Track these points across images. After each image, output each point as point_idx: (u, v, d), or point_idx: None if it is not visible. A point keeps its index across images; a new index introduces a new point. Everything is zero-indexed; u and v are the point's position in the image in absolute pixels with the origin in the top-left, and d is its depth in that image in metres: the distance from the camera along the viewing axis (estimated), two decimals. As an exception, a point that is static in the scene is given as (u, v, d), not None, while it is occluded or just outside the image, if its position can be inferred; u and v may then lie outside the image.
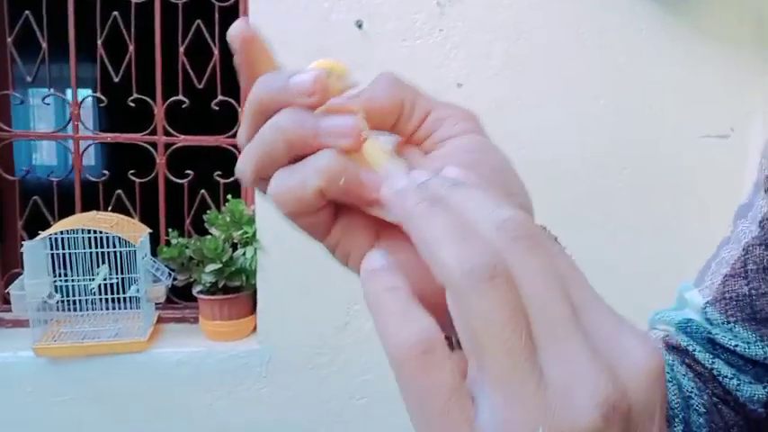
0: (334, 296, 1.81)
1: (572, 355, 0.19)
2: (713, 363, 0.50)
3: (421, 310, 0.21)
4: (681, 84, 1.86)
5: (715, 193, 1.87)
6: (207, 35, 1.87)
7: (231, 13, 1.84)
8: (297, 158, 0.27)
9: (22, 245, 1.68)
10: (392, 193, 0.26)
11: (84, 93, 2.02)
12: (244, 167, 0.29)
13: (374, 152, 0.28)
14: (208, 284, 1.77)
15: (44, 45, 1.80)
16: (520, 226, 0.21)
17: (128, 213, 1.89)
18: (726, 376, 0.49)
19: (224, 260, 1.75)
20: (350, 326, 1.83)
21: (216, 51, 1.88)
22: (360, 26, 1.70)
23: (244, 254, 1.78)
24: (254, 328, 1.85)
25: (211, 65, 1.87)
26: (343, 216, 0.29)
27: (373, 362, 1.82)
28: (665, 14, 1.82)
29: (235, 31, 0.29)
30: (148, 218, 1.93)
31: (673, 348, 0.52)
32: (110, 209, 1.89)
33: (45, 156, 5.87)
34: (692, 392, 0.49)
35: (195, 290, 1.81)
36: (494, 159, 0.30)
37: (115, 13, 1.82)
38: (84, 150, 1.90)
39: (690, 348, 0.51)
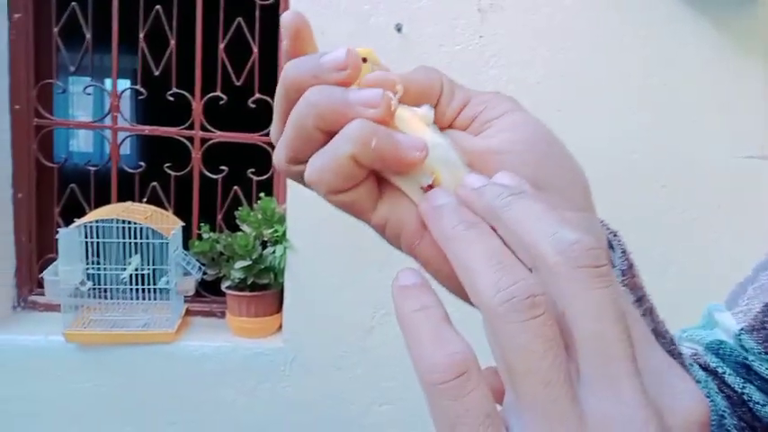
0: (362, 299, 1.80)
1: (625, 395, 0.18)
2: (744, 387, 0.48)
3: (454, 332, 0.20)
4: (724, 101, 1.80)
5: (753, 214, 1.82)
6: (247, 33, 1.88)
7: (272, 12, 1.85)
8: (329, 139, 0.27)
9: (57, 231, 1.72)
10: (430, 209, 0.25)
11: (123, 84, 2.04)
12: (278, 152, 0.28)
13: (410, 121, 0.27)
14: (236, 280, 1.78)
15: (88, 36, 1.83)
16: (585, 253, 0.20)
17: (162, 205, 1.92)
18: (757, 402, 0.47)
19: (253, 257, 1.76)
20: (376, 330, 1.83)
21: (255, 49, 1.89)
22: (399, 30, 1.69)
23: (273, 252, 1.78)
24: (280, 327, 1.86)
25: (250, 63, 1.89)
26: (388, 191, 0.28)
27: (398, 368, 1.81)
28: (711, 28, 1.77)
29: (288, 17, 0.28)
30: (181, 211, 1.95)
31: (701, 368, 0.50)
32: (144, 200, 1.92)
33: (82, 144, 6.00)
34: (725, 412, 0.48)
35: (224, 285, 1.82)
36: (545, 132, 0.29)
37: (158, 7, 1.84)
38: (122, 142, 1.93)
39: (720, 370, 0.49)
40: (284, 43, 0.28)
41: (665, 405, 0.19)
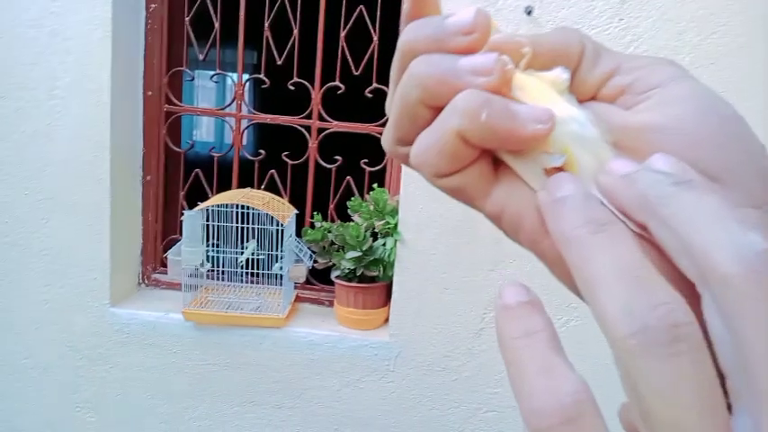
0: (472, 298, 1.72)
1: None
2: None
3: (565, 365, 0.17)
4: None
5: None
6: (368, 21, 1.85)
7: (393, 0, 1.81)
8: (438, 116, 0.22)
9: (182, 214, 1.79)
10: (548, 202, 0.20)
11: (245, 75, 2.10)
12: (386, 132, 0.25)
13: (534, 89, 0.22)
14: (346, 270, 1.76)
15: (216, 25, 1.89)
16: None
17: (278, 193, 1.95)
18: None
19: (364, 248, 1.73)
20: (485, 332, 1.74)
21: (375, 38, 1.86)
22: (529, 13, 1.59)
23: (384, 244, 1.75)
24: (386, 320, 1.82)
25: (369, 52, 1.86)
26: (507, 174, 0.23)
27: (506, 375, 1.71)
28: None
29: None
30: (296, 199, 1.97)
31: None
32: (262, 187, 1.96)
33: (204, 133, 6.38)
34: None
35: (333, 274, 1.82)
36: (720, 107, 0.22)
37: (283, -4, 1.86)
38: (245, 129, 1.98)
39: None
40: (404, 5, 0.24)
41: None
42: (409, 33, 0.23)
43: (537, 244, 0.22)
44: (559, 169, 0.22)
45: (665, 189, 0.18)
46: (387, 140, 0.25)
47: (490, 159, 0.23)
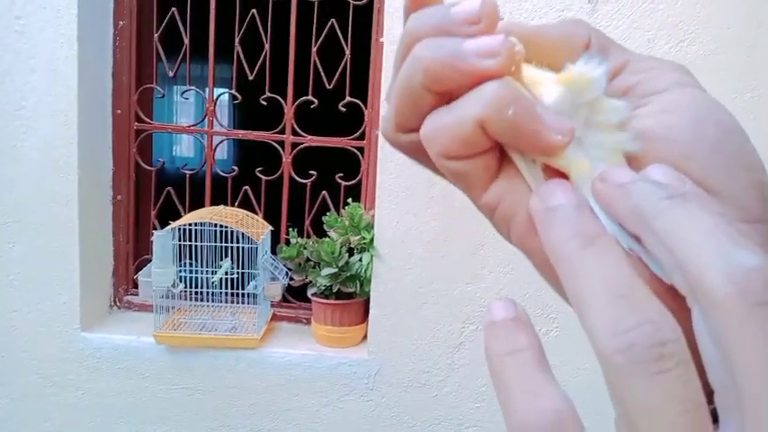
0: (451, 312, 1.70)
1: None
2: None
3: (548, 381, 0.17)
4: None
5: None
6: (340, 35, 1.84)
7: (365, 12, 1.80)
8: (441, 102, 0.22)
9: (153, 233, 1.75)
10: (540, 210, 0.20)
11: (221, 90, 2.08)
12: (386, 119, 0.25)
13: (538, 83, 0.21)
14: (322, 287, 1.73)
15: (186, 41, 1.87)
16: (764, 284, 0.15)
17: (253, 209, 1.91)
18: None
19: (340, 265, 1.70)
20: (464, 347, 1.72)
21: (347, 51, 1.84)
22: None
23: (360, 260, 1.72)
24: (365, 337, 1.79)
25: (342, 65, 1.84)
26: (508, 167, 0.23)
27: (487, 388, 1.69)
28: None
29: None
30: (272, 215, 1.94)
31: None
32: (236, 204, 1.92)
33: (184, 149, 6.33)
34: None
35: (310, 292, 1.79)
36: (721, 119, 0.22)
37: (253, 10, 1.84)
38: (217, 146, 1.95)
39: None
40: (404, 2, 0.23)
41: None
42: (413, 23, 0.23)
43: (526, 243, 0.22)
44: (557, 171, 0.21)
45: (659, 202, 0.18)
46: (387, 128, 0.25)
47: (498, 152, 0.22)
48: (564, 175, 0.21)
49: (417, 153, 0.24)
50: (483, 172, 0.22)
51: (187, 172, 1.94)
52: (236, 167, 1.96)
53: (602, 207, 0.20)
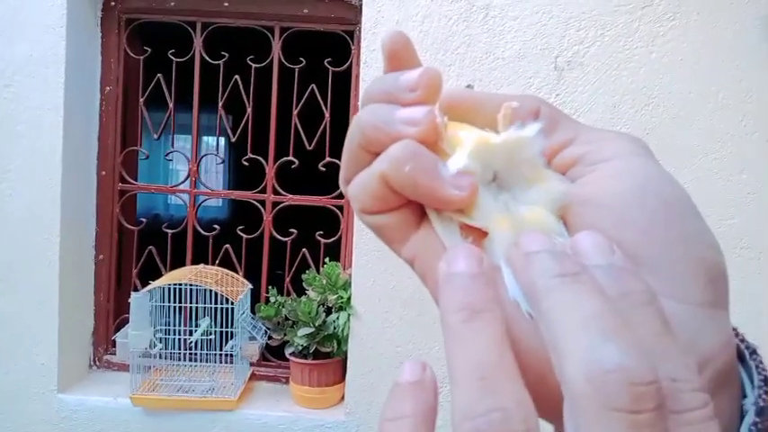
0: (428, 372, 1.69)
1: None
2: None
3: None
4: None
5: None
6: (319, 98, 1.90)
7: (344, 79, 1.87)
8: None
9: (136, 291, 1.76)
10: (441, 275, 0.19)
11: (210, 144, 2.12)
12: (340, 173, 0.27)
13: (473, 144, 0.22)
14: (300, 347, 1.73)
15: (170, 105, 1.93)
16: (626, 388, 0.14)
17: (233, 267, 1.93)
18: None
19: (317, 324, 1.71)
20: (443, 407, 1.68)
21: (327, 114, 1.90)
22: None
23: (337, 319, 1.73)
24: (343, 398, 1.78)
25: (321, 127, 1.90)
26: (427, 224, 0.24)
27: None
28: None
29: (386, 36, 0.25)
30: (253, 272, 1.95)
31: None
32: (218, 262, 1.94)
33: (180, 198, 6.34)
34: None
35: (288, 351, 1.78)
36: (664, 191, 0.21)
37: (236, 76, 1.91)
38: (199, 205, 1.99)
39: None
40: (384, 67, 0.26)
41: None
42: (370, 86, 0.25)
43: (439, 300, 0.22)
44: (478, 231, 0.22)
45: (549, 280, 0.17)
46: (340, 180, 0.27)
47: (417, 207, 0.24)
48: (484, 234, 0.22)
49: None
50: (400, 226, 0.24)
51: (168, 231, 1.97)
52: (216, 226, 1.99)
53: (512, 272, 0.20)
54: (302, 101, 1.92)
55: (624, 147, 0.23)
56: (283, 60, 1.89)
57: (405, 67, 0.25)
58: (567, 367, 0.16)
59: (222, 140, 4.07)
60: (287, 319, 1.79)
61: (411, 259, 0.24)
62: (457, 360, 0.17)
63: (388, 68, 0.25)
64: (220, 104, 1.93)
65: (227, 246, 1.97)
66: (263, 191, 1.94)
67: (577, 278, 0.17)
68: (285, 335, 1.79)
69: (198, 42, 1.89)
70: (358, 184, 0.24)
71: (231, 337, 1.79)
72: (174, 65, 1.91)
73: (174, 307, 1.79)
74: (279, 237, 1.93)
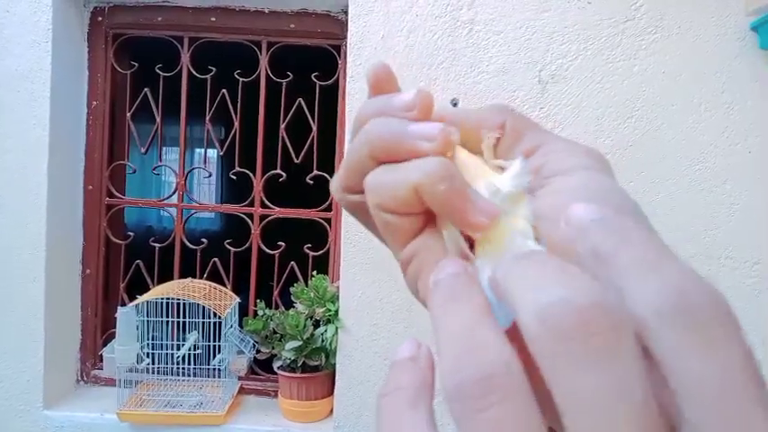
0: (417, 385, 1.69)
1: None
2: None
3: (414, 424, 0.17)
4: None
5: None
6: (307, 112, 1.91)
7: (331, 92, 1.88)
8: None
9: (123, 305, 1.75)
10: (431, 281, 0.20)
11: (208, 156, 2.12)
12: (335, 180, 0.28)
13: (476, 169, 0.24)
14: (288, 360, 1.73)
15: (158, 119, 1.93)
16: (573, 317, 0.15)
17: (221, 280, 1.93)
18: None
19: (305, 337, 1.71)
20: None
21: (314, 128, 1.91)
22: (455, 105, 1.65)
23: (325, 332, 1.72)
24: (332, 411, 1.77)
25: (309, 141, 1.90)
26: (428, 228, 0.25)
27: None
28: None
29: (371, 67, 0.27)
30: (240, 285, 1.95)
31: None
32: (206, 275, 1.94)
33: (164, 219, 6.33)
34: None
35: (276, 365, 1.78)
36: (613, 203, 0.22)
37: (224, 90, 1.92)
38: (188, 218, 1.98)
39: None
40: (368, 94, 0.28)
41: None
42: (363, 106, 0.27)
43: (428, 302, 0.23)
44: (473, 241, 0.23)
45: (512, 266, 0.18)
46: (335, 187, 0.28)
47: (426, 214, 0.25)
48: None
49: (358, 210, 0.27)
50: (412, 227, 0.25)
51: (156, 245, 1.96)
52: (204, 240, 1.99)
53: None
54: (290, 114, 1.92)
55: (579, 161, 0.23)
56: (271, 75, 1.90)
57: (388, 90, 0.27)
58: (521, 316, 0.16)
59: (213, 153, 4.15)
60: (275, 332, 1.79)
61: (408, 259, 0.25)
62: (438, 335, 0.17)
63: (374, 91, 0.27)
64: (207, 118, 1.93)
65: (216, 259, 1.97)
66: (251, 204, 1.94)
67: (530, 255, 0.18)
68: (273, 348, 1.79)
69: (185, 57, 1.90)
70: (381, 184, 0.25)
71: (219, 351, 1.79)
72: (161, 79, 1.92)
73: (162, 321, 1.78)
74: (267, 250, 1.93)
